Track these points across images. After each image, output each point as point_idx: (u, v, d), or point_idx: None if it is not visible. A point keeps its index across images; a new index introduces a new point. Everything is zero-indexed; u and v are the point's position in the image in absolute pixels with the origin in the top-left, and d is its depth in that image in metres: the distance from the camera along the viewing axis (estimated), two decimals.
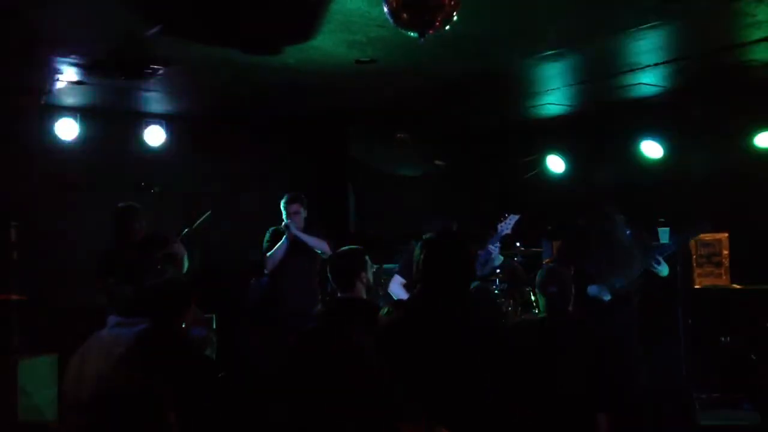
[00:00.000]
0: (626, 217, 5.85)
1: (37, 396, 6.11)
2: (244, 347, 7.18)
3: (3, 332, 6.41)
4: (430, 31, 4.24)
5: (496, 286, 7.33)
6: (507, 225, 6.36)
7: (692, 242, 7.31)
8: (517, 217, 6.33)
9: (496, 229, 6.37)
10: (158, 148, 8.06)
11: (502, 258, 6.72)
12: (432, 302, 3.39)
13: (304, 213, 6.86)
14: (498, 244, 6.34)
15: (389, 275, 6.70)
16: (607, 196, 7.51)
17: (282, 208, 6.83)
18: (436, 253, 3.43)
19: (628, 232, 5.78)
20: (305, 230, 6.82)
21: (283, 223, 6.75)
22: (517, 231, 6.60)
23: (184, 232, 6.71)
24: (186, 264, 6.23)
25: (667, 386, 6.48)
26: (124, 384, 3.67)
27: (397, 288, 6.29)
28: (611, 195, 7.78)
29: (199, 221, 6.80)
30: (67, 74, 6.54)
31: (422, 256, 3.44)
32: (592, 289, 5.61)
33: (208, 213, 6.89)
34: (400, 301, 5.54)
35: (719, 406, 6.52)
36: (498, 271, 7.22)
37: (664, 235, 7.10)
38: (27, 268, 6.95)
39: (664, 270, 5.75)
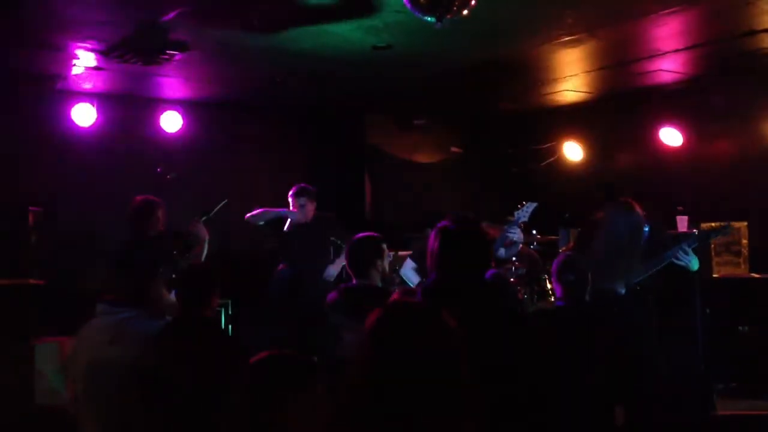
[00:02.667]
0: (647, 210, 5.70)
1: (53, 379, 6.15)
2: (260, 334, 7.18)
3: (20, 316, 6.45)
4: (448, 17, 4.20)
5: (513, 273, 7.29)
6: (524, 213, 6.31)
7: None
8: (534, 204, 6.27)
9: (512, 215, 6.33)
10: (175, 134, 8.07)
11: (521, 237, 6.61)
12: (449, 290, 3.35)
13: (311, 205, 6.87)
14: (516, 230, 6.27)
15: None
16: (625, 184, 7.47)
17: (290, 198, 6.83)
18: (452, 241, 3.39)
19: (646, 228, 5.64)
20: (313, 221, 6.84)
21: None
22: (534, 218, 6.55)
23: (202, 219, 6.72)
24: (206, 249, 6.24)
25: (685, 376, 6.44)
26: (116, 370, 3.67)
27: (409, 272, 6.30)
28: (629, 183, 7.74)
29: (216, 209, 6.80)
30: (84, 59, 6.55)
31: (438, 244, 3.41)
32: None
33: (225, 201, 6.89)
34: (410, 289, 5.51)
35: (737, 396, 6.48)
36: (514, 258, 7.18)
37: (682, 223, 7.05)
38: (44, 253, 6.98)
39: (693, 262, 5.55)
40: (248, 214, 6.96)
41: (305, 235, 6.82)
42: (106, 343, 3.74)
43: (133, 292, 3.90)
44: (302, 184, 6.95)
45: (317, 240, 6.85)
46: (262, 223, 6.96)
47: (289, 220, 6.85)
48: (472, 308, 3.28)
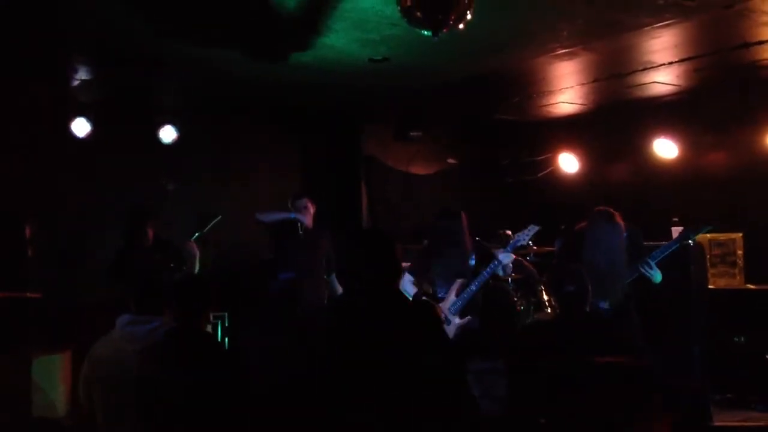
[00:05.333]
0: (626, 220, 5.67)
1: (51, 392, 6.14)
2: (259, 344, 7.18)
3: (18, 329, 6.43)
4: (444, 30, 4.23)
5: (510, 285, 7.30)
6: (525, 235, 6.27)
7: (706, 242, 7.26)
8: (537, 228, 6.23)
9: (512, 235, 6.32)
10: (172, 145, 8.06)
11: (512, 257, 6.59)
12: (354, 301, 3.31)
13: (312, 208, 6.88)
14: (507, 256, 6.22)
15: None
16: (620, 196, 7.50)
17: (290, 205, 6.83)
18: (353, 251, 3.38)
19: (625, 234, 5.61)
20: (313, 230, 6.84)
21: None
22: None
23: (196, 236, 6.71)
24: (197, 266, 6.25)
25: (680, 387, 6.43)
26: (143, 380, 3.68)
27: (408, 285, 6.30)
28: (625, 194, 7.76)
29: (210, 225, 6.80)
30: (81, 72, 6.57)
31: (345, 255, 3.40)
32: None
33: (219, 217, 6.89)
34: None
35: (734, 407, 6.49)
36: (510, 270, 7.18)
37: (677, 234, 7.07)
38: (41, 265, 6.98)
39: (656, 276, 5.57)
40: (258, 213, 6.87)
41: (305, 243, 6.82)
42: (138, 353, 3.74)
43: (155, 301, 3.93)
44: (299, 192, 6.97)
45: (316, 249, 6.85)
46: (268, 221, 6.89)
47: (299, 229, 6.77)
48: (373, 320, 3.20)
